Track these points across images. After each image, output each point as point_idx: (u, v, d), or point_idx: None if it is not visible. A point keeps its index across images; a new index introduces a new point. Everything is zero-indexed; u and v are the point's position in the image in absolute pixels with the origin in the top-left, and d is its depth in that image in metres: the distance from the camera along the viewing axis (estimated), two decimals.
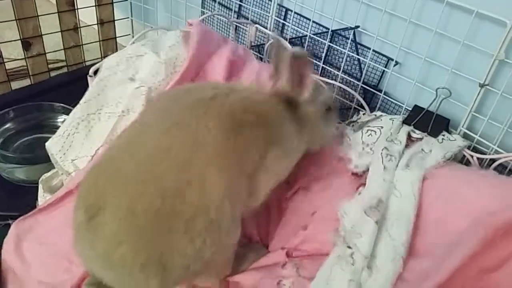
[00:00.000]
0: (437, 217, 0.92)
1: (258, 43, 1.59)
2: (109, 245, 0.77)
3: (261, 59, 1.56)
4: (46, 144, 1.22)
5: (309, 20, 1.40)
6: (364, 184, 1.03)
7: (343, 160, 1.12)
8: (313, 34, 1.42)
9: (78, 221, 0.81)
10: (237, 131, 0.85)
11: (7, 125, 1.46)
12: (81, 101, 1.20)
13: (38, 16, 1.65)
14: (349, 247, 0.90)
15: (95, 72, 1.23)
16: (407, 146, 1.10)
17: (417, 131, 1.14)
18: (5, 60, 1.64)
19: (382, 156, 1.05)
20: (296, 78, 0.97)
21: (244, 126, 0.86)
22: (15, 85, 1.74)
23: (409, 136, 1.13)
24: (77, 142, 1.20)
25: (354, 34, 1.33)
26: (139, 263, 0.77)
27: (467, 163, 1.13)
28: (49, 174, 1.25)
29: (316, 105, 1.05)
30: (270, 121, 0.92)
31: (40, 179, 1.24)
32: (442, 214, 0.92)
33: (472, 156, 1.12)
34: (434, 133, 1.12)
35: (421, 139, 1.11)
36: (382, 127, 1.15)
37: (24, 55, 1.71)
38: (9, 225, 1.12)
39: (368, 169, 1.05)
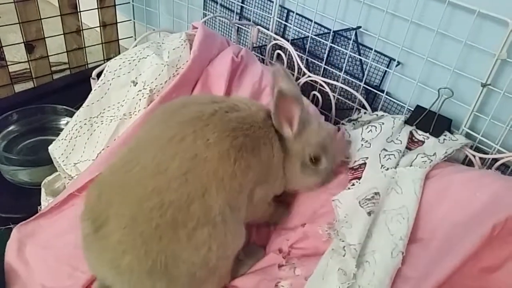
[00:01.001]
0: (438, 215, 0.92)
1: (260, 45, 1.59)
2: (115, 254, 0.82)
3: (263, 60, 1.56)
4: (49, 148, 1.23)
5: (311, 21, 1.40)
6: (358, 178, 1.04)
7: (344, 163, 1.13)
8: (315, 35, 1.42)
9: (85, 232, 0.86)
10: (236, 154, 0.87)
11: (11, 128, 1.47)
12: (84, 105, 1.21)
13: (41, 19, 1.66)
14: (342, 240, 0.91)
15: (98, 75, 1.24)
16: (409, 149, 1.10)
17: (419, 131, 1.14)
18: (8, 63, 1.65)
19: (380, 157, 1.05)
20: (283, 115, 0.95)
21: (243, 151, 0.88)
22: (18, 87, 1.75)
23: (411, 137, 1.13)
24: (80, 145, 1.20)
25: (355, 34, 1.33)
26: (145, 270, 0.81)
27: (470, 163, 1.13)
28: (51, 177, 1.25)
29: (304, 146, 0.99)
30: (263, 153, 0.93)
31: (43, 182, 1.25)
32: (443, 212, 0.92)
33: (474, 156, 1.12)
34: (436, 133, 1.12)
35: (422, 142, 1.11)
36: (383, 123, 1.15)
37: (27, 58, 1.72)
38: (10, 229, 1.12)
39: (364, 163, 1.06)
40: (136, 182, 0.84)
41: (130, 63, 1.20)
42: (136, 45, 1.29)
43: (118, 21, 1.92)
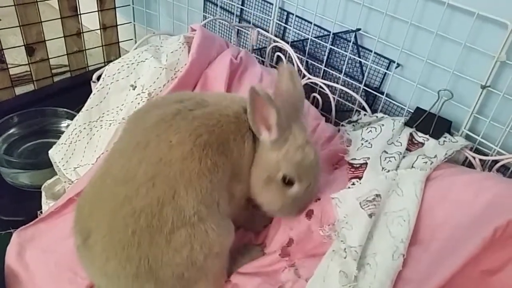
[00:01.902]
0: (439, 217, 0.92)
1: (260, 47, 1.59)
2: (101, 262, 0.85)
3: (262, 62, 1.56)
4: (49, 152, 1.23)
5: (311, 23, 1.40)
6: (359, 177, 1.03)
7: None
8: (315, 37, 1.42)
9: (76, 244, 0.90)
10: (201, 153, 0.85)
11: (11, 131, 1.48)
12: (83, 109, 1.21)
13: (41, 22, 1.67)
14: (343, 242, 0.91)
15: (98, 78, 1.24)
16: (409, 150, 1.10)
17: (419, 133, 1.14)
18: (9, 66, 1.65)
19: (381, 159, 1.05)
20: (259, 115, 0.88)
21: (207, 149, 0.86)
22: (19, 90, 1.75)
23: (411, 139, 1.13)
24: (79, 150, 1.21)
25: (355, 36, 1.33)
26: (130, 275, 0.83)
27: (470, 165, 1.13)
28: (51, 180, 1.26)
29: (279, 160, 0.91)
30: (233, 149, 0.90)
31: (43, 186, 1.25)
32: (444, 215, 0.92)
33: (474, 158, 1.12)
34: (436, 135, 1.12)
35: (422, 144, 1.11)
36: (383, 125, 1.15)
37: (28, 61, 1.72)
38: (11, 233, 1.13)
39: (365, 163, 1.06)
40: (109, 192, 0.86)
41: (128, 67, 1.20)
42: (136, 48, 1.30)
43: (118, 23, 1.92)
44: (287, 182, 0.91)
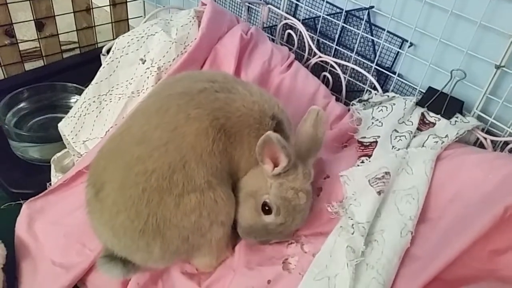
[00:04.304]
0: (449, 196, 0.92)
1: (271, 25, 1.57)
2: (110, 215, 0.86)
3: (273, 41, 1.54)
4: (59, 125, 1.23)
5: (323, 0, 1.38)
6: (368, 155, 1.03)
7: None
8: (327, 15, 1.40)
9: (88, 197, 0.92)
10: (215, 135, 0.86)
11: (21, 105, 1.47)
12: (93, 82, 1.21)
13: None
14: (351, 218, 0.91)
15: (108, 51, 1.23)
16: (420, 130, 1.09)
17: (431, 113, 1.13)
18: (18, 41, 1.65)
19: (391, 137, 1.04)
20: (266, 151, 0.86)
21: (221, 133, 0.87)
22: (29, 66, 1.75)
23: (422, 119, 1.12)
24: (88, 123, 1.21)
25: (368, 14, 1.31)
26: (137, 230, 0.85)
27: (481, 146, 1.12)
28: (60, 153, 1.26)
29: (271, 185, 0.89)
30: (245, 142, 0.90)
31: (52, 159, 1.25)
32: (454, 194, 0.92)
33: (485, 139, 1.11)
34: (448, 115, 1.11)
35: (434, 124, 1.10)
36: (394, 104, 1.14)
37: (37, 36, 1.71)
38: (20, 204, 1.14)
39: (375, 141, 1.05)
40: (125, 149, 0.88)
41: (138, 40, 1.19)
42: (145, 22, 1.28)
43: (128, 0, 1.91)
44: (266, 209, 0.89)
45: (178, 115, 0.87)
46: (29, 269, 1.04)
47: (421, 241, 0.87)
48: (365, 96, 1.26)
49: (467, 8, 1.11)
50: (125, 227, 0.85)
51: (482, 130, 1.13)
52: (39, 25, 1.70)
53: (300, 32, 1.43)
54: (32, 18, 1.66)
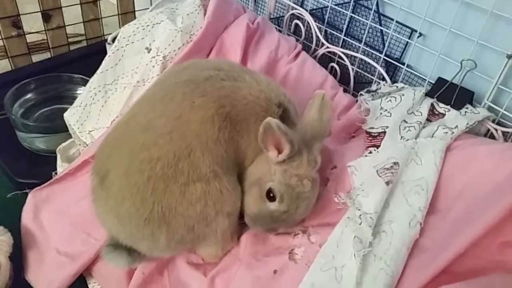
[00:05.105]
0: (459, 187, 0.90)
1: (278, 15, 1.56)
2: (116, 202, 0.86)
3: (280, 32, 1.53)
4: (65, 114, 1.23)
5: None
6: (376, 146, 1.01)
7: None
8: (335, 5, 1.38)
9: (93, 184, 0.91)
10: (221, 123, 0.86)
11: (28, 96, 1.48)
12: (98, 71, 1.20)
13: None
14: (358, 209, 0.90)
15: (113, 40, 1.23)
16: (429, 121, 1.08)
17: (440, 104, 1.11)
18: (25, 33, 1.65)
19: (400, 128, 1.03)
20: (269, 139, 0.85)
21: (227, 121, 0.87)
22: (36, 58, 1.75)
23: (432, 109, 1.10)
24: (94, 112, 1.21)
25: (377, 4, 1.29)
26: (143, 218, 0.84)
27: (492, 137, 1.10)
28: (66, 143, 1.26)
29: (275, 171, 0.87)
30: (248, 130, 0.89)
31: (58, 148, 1.25)
32: (464, 184, 0.90)
33: (496, 130, 1.09)
34: (458, 106, 1.09)
35: (443, 114, 1.08)
36: (403, 94, 1.13)
37: (45, 27, 1.72)
38: (27, 194, 1.14)
39: (383, 132, 1.03)
40: (130, 136, 0.88)
41: (144, 29, 1.19)
42: (151, 11, 1.28)
43: None
44: (271, 196, 0.88)
45: (183, 102, 0.86)
46: (35, 258, 1.05)
47: (430, 232, 0.86)
48: (374, 87, 1.24)
49: None
50: (130, 215, 0.85)
51: (493, 121, 1.11)
52: (46, 17, 1.70)
53: (308, 22, 1.41)
54: (39, 10, 1.66)
